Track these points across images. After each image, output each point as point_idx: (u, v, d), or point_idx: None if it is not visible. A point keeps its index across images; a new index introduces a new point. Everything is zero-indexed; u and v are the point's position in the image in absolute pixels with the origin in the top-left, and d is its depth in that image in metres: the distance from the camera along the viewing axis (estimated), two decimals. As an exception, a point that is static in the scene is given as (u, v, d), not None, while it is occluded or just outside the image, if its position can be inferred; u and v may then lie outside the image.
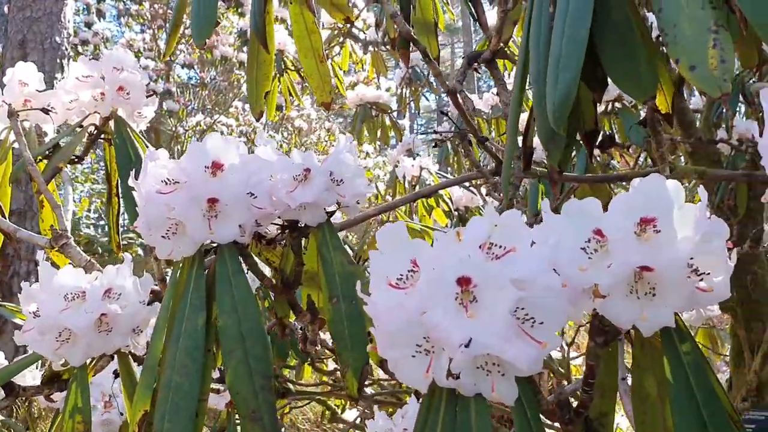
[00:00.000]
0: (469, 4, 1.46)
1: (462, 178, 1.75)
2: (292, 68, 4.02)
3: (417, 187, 3.47)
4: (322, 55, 1.48)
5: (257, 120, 1.44)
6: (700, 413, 0.66)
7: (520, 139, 1.08)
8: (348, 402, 2.90)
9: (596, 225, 0.68)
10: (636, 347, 0.75)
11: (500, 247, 0.68)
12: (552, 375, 2.03)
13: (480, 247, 0.68)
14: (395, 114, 4.75)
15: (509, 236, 0.68)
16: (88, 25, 8.50)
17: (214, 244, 0.99)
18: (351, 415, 2.89)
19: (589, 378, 0.74)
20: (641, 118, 1.63)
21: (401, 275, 0.69)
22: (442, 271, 0.65)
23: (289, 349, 2.06)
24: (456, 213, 3.36)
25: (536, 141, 1.01)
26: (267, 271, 1.15)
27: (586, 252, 0.68)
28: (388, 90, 4.72)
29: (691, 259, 0.67)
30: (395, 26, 1.39)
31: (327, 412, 2.80)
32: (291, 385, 2.28)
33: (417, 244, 0.69)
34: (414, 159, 3.65)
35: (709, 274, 0.67)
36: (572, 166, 2.14)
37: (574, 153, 1.96)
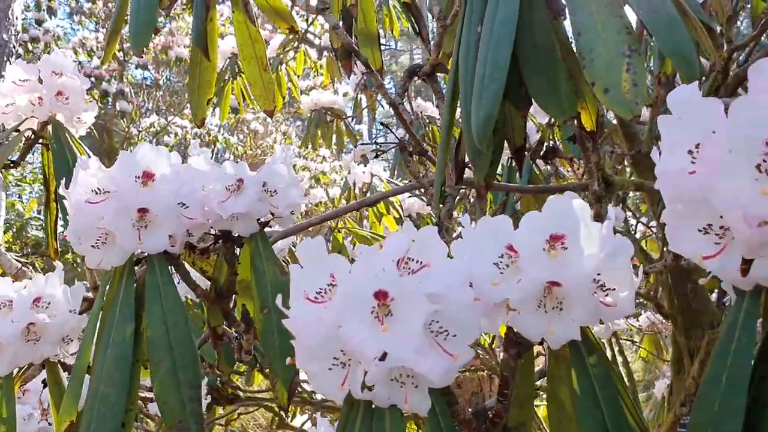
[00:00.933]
0: (411, 17, 1.49)
1: (404, 188, 1.77)
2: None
3: (368, 194, 3.49)
4: (266, 64, 1.48)
5: (198, 127, 1.44)
6: (605, 424, 0.69)
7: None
8: (300, 408, 2.90)
9: (509, 241, 0.70)
10: (551, 359, 0.78)
11: (416, 261, 0.70)
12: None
13: (398, 261, 0.70)
14: (352, 119, 4.76)
15: (425, 251, 0.70)
16: (39, 22, 8.30)
17: (146, 254, 0.99)
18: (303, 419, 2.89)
19: (503, 389, 0.76)
20: (572, 134, 1.68)
21: (320, 289, 0.70)
22: (359, 284, 0.67)
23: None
24: (408, 219, 3.39)
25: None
26: (203, 280, 1.15)
27: (499, 267, 0.71)
28: (345, 95, 4.73)
29: (598, 275, 0.70)
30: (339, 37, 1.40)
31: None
32: (240, 392, 2.28)
33: (335, 258, 0.70)
34: (365, 166, 3.66)
35: (614, 289, 0.70)
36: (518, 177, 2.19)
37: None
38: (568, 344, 0.71)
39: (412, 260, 0.70)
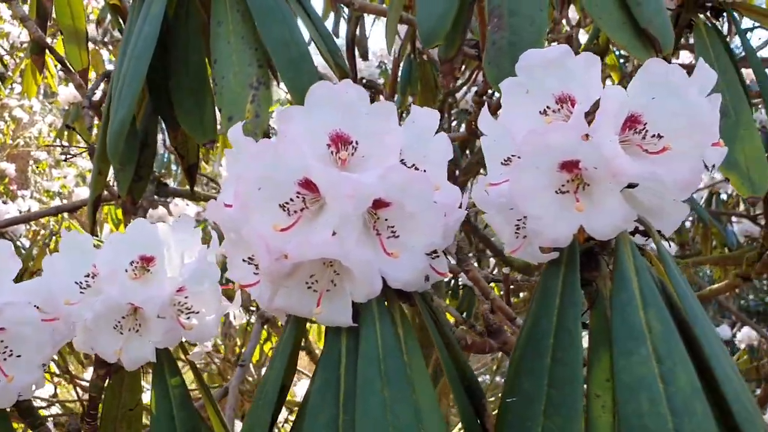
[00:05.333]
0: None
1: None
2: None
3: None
4: None
5: None
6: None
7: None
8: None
9: (93, 260, 0.70)
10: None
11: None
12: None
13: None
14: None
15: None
16: None
17: None
18: None
19: (90, 409, 0.75)
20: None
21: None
22: None
23: None
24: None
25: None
26: None
27: (81, 287, 0.70)
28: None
29: (185, 297, 0.71)
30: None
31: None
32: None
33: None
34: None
35: (198, 312, 0.72)
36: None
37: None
38: (151, 365, 0.72)
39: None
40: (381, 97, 2.70)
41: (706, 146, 0.56)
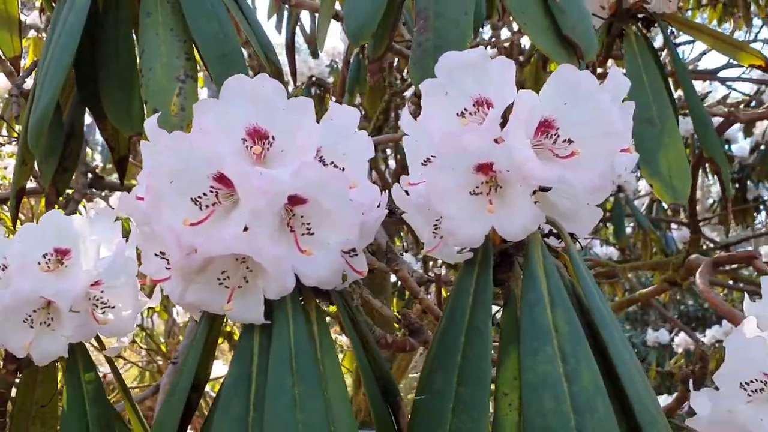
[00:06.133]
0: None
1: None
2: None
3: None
4: None
5: None
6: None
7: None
8: None
9: (3, 252, 0.68)
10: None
11: None
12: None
13: None
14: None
15: None
16: None
17: None
18: None
19: (1, 405, 0.73)
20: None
21: None
22: None
23: None
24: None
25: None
26: None
27: (-8, 278, 0.67)
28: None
29: (101, 292, 0.70)
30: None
31: None
32: None
33: None
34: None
35: (114, 307, 0.71)
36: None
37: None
38: (64, 360, 0.70)
39: None
40: (331, 97, 2.70)
41: (615, 152, 0.58)
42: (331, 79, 2.72)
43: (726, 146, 3.86)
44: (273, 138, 0.57)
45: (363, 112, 2.58)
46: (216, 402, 0.59)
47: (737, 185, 3.89)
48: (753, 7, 3.46)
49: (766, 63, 1.14)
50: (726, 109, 1.37)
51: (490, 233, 0.59)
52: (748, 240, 4.22)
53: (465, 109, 0.60)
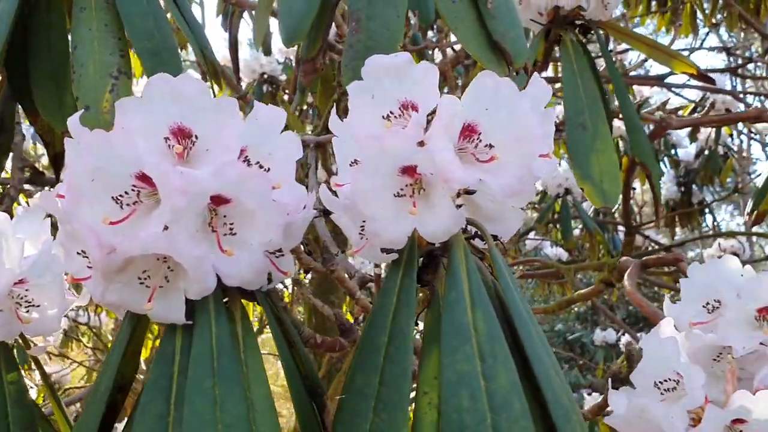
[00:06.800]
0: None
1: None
2: None
3: None
4: None
5: None
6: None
7: None
8: None
9: None
10: None
11: None
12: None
13: None
14: None
15: None
16: None
17: None
18: None
19: None
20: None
21: None
22: None
23: None
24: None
25: None
26: None
27: None
28: None
29: (26, 290, 0.69)
30: None
31: None
32: None
33: None
34: None
35: (39, 306, 0.69)
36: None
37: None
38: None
39: None
40: (284, 94, 2.69)
41: (533, 157, 0.59)
42: (283, 77, 2.71)
43: (672, 151, 3.97)
44: (196, 137, 0.57)
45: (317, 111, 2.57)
46: (137, 401, 0.59)
47: (683, 189, 4.01)
48: (699, 15, 3.57)
49: (698, 71, 1.18)
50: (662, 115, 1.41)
51: (416, 235, 0.60)
52: (694, 241, 4.36)
53: (391, 113, 0.61)
